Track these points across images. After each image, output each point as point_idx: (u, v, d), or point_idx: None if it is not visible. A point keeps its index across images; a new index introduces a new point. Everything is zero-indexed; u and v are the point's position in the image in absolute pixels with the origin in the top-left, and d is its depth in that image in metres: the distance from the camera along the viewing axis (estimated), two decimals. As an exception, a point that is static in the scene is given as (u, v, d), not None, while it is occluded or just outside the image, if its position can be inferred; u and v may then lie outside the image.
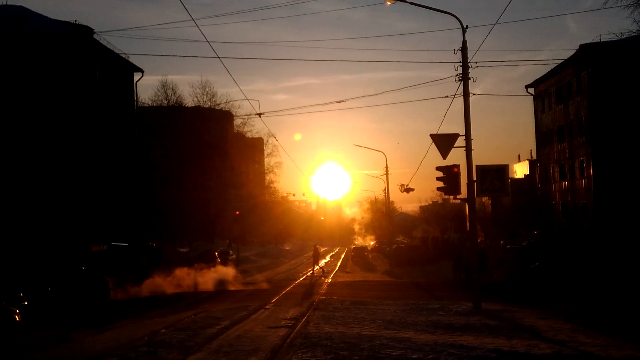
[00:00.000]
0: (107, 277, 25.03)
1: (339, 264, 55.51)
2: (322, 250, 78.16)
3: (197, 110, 61.39)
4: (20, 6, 36.65)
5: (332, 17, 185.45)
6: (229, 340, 13.04)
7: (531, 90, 48.85)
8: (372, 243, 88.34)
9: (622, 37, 31.44)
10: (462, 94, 19.45)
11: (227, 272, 34.98)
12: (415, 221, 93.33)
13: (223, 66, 69.63)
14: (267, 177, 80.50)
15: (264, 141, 75.81)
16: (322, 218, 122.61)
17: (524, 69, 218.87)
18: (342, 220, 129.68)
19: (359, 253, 60.04)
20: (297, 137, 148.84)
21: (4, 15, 32.15)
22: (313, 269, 41.30)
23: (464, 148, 19.02)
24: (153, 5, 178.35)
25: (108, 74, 38.84)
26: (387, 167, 57.65)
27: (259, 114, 33.66)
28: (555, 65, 42.85)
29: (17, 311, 14.25)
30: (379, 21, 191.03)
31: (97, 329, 15.64)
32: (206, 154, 59.19)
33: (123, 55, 40.33)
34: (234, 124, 69.20)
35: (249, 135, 70.45)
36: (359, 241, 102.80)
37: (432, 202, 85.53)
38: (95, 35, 36.57)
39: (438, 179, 19.25)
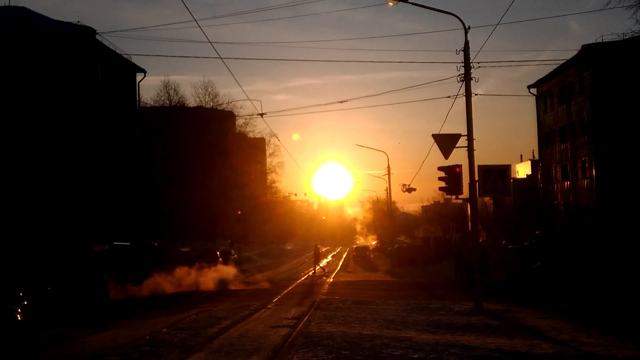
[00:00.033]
0: (107, 277, 25.06)
1: (340, 263, 55.50)
2: (323, 249, 78.23)
3: (199, 110, 61.46)
4: (23, 7, 36.69)
5: (333, 17, 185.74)
6: (230, 340, 13.05)
7: (533, 90, 48.83)
8: (373, 243, 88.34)
9: (625, 37, 31.23)
10: (464, 94, 19.44)
11: (228, 271, 35.02)
12: (417, 221, 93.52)
13: (225, 66, 69.96)
14: (269, 177, 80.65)
15: (266, 141, 75.99)
16: (324, 218, 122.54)
17: (526, 69, 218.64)
18: (344, 220, 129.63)
19: (361, 253, 60.02)
20: (295, 137, 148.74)
21: (6, 16, 32.20)
22: (314, 269, 41.36)
23: (466, 148, 19.01)
24: (155, 6, 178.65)
25: (110, 75, 38.87)
26: (389, 167, 57.65)
27: (261, 114, 33.72)
28: (558, 65, 42.84)
29: (19, 310, 14.28)
30: (381, 22, 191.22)
31: (98, 329, 15.65)
32: (208, 154, 59.26)
33: (125, 56, 40.38)
34: (236, 124, 69.30)
35: (250, 135, 70.60)
36: (360, 241, 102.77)
37: (434, 202, 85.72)
38: (97, 36, 36.60)
39: (440, 179, 19.25)
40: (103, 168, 36.40)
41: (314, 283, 32.46)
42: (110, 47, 38.10)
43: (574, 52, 40.54)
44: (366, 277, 37.76)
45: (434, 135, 19.57)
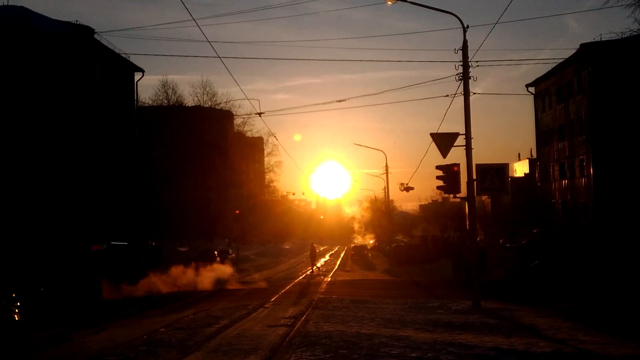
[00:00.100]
0: (104, 277, 25.00)
1: (338, 262, 55.51)
2: (321, 249, 78.24)
3: (198, 109, 61.38)
4: (21, 6, 36.66)
5: (332, 17, 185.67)
6: (228, 339, 13.05)
7: (532, 89, 48.86)
8: (371, 242, 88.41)
9: (623, 36, 31.37)
10: (463, 93, 19.44)
11: (225, 270, 34.99)
12: (415, 220, 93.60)
13: (223, 66, 69.68)
14: (267, 176, 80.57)
15: (264, 140, 75.85)
16: (322, 217, 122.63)
17: (525, 68, 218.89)
18: (342, 219, 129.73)
19: (359, 252, 60.04)
20: (297, 137, 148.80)
21: (5, 16, 32.17)
22: (312, 268, 41.41)
23: (464, 147, 19.03)
24: (153, 5, 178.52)
25: (109, 74, 38.85)
26: (387, 166, 57.58)
27: (259, 114, 33.74)
28: (556, 64, 42.88)
29: (17, 310, 14.26)
30: (380, 21, 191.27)
31: (96, 329, 15.63)
32: (206, 153, 59.20)
33: (123, 55, 40.35)
34: (234, 123, 69.19)
35: (249, 134, 70.47)
36: (358, 240, 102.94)
37: (432, 201, 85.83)
38: (95, 35, 36.58)
39: (438, 177, 19.26)
40: (101, 168, 36.37)
41: (311, 282, 32.46)
42: (109, 46, 38.08)
43: (573, 51, 40.62)
44: (364, 276, 37.77)
45: (432, 134, 19.59)
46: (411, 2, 20.05)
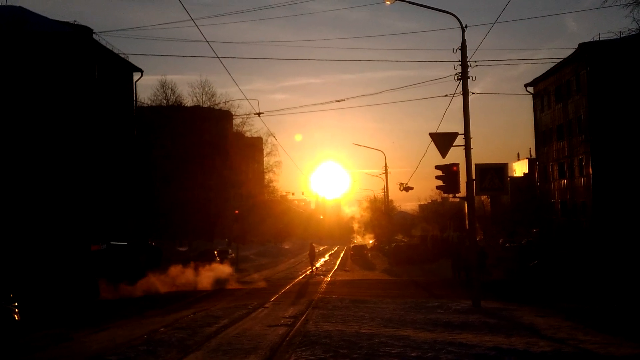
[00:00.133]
0: (104, 277, 24.95)
1: (338, 262, 55.50)
2: (321, 248, 78.20)
3: (197, 109, 61.37)
4: (20, 7, 36.65)
5: (330, 17, 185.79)
6: (228, 339, 13.05)
7: (530, 89, 48.88)
8: (371, 242, 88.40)
9: (622, 36, 31.34)
10: (462, 93, 19.46)
11: (224, 270, 34.97)
12: (415, 220, 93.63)
13: (222, 66, 69.54)
14: (267, 176, 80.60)
15: (263, 140, 75.85)
16: (322, 217, 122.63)
17: (524, 68, 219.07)
18: (342, 219, 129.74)
19: (358, 252, 60.04)
20: (298, 137, 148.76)
21: (3, 16, 32.16)
22: (312, 268, 41.42)
23: (463, 147, 19.03)
24: (152, 6, 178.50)
25: (107, 74, 38.85)
26: (386, 166, 57.61)
27: (258, 114, 33.85)
28: (555, 64, 42.90)
29: (17, 310, 14.25)
30: (378, 21, 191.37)
31: (95, 329, 15.62)
32: (206, 153, 59.19)
33: (122, 55, 40.35)
34: (234, 123, 69.19)
35: (248, 134, 70.45)
36: (358, 240, 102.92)
37: (432, 200, 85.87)
38: (94, 36, 36.57)
39: (437, 177, 19.26)
40: (100, 168, 36.37)
41: (311, 282, 32.46)
42: (107, 46, 38.09)
43: (571, 51, 40.65)
44: (364, 275, 37.76)
45: (431, 134, 19.59)
46: (409, 2, 20.05)
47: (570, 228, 41.26)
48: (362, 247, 64.55)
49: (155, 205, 49.44)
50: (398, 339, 12.39)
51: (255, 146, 78.09)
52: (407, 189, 39.81)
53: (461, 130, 19.12)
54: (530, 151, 66.61)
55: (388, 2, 19.80)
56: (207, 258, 39.20)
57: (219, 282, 31.54)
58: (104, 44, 37.61)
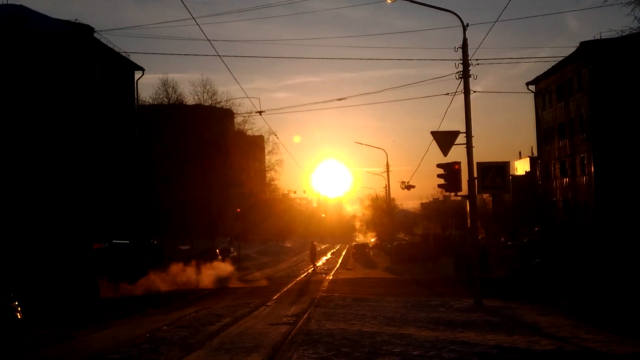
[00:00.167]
0: (105, 276, 24.91)
1: (340, 261, 55.52)
2: (322, 247, 78.25)
3: (198, 108, 61.35)
4: (21, 5, 36.67)
5: (330, 15, 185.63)
6: (230, 338, 13.06)
7: (532, 87, 48.88)
8: (373, 240, 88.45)
9: (623, 34, 31.33)
10: (463, 91, 19.43)
11: (226, 268, 34.97)
12: (416, 218, 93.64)
13: (223, 64, 69.93)
14: (268, 175, 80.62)
15: (265, 139, 75.89)
16: (323, 215, 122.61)
17: (525, 66, 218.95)
18: (343, 217, 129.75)
19: (360, 250, 60.10)
20: (297, 139, 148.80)
21: (4, 15, 32.19)
22: (314, 266, 41.46)
23: (465, 145, 19.02)
24: (153, 4, 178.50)
25: (109, 73, 38.86)
26: (387, 164, 57.69)
27: (260, 112, 33.72)
28: (556, 62, 42.88)
29: (19, 309, 14.26)
30: (379, 19, 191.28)
31: (97, 327, 15.62)
32: (207, 152, 59.19)
33: (123, 54, 40.37)
34: (235, 122, 69.19)
35: (249, 133, 70.44)
36: (360, 238, 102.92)
37: (433, 199, 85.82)
38: (95, 34, 36.59)
39: (439, 176, 19.26)
40: (102, 166, 36.39)
41: (313, 280, 32.47)
42: (109, 45, 38.10)
43: (573, 49, 40.63)
44: (365, 274, 37.78)
45: (432, 133, 19.58)
46: (410, 0, 20.02)
47: (572, 226, 41.23)
48: (364, 246, 64.59)
49: (157, 204, 49.50)
50: (400, 337, 12.39)
51: (256, 145, 78.09)
52: (409, 187, 39.81)
53: (463, 128, 19.13)
54: (532, 149, 66.53)
55: (389, 1, 19.79)
56: (209, 256, 39.21)
57: (221, 281, 31.53)
58: (105, 43, 37.65)
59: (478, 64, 20.72)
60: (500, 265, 34.32)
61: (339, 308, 17.66)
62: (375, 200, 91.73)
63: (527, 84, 48.79)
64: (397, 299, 20.04)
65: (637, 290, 21.13)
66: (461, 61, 19.36)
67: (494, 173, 19.00)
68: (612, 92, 37.15)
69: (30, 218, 31.61)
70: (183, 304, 21.25)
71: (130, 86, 43.50)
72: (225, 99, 66.99)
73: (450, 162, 19.09)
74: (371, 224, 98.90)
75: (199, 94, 63.01)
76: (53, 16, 37.48)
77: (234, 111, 66.78)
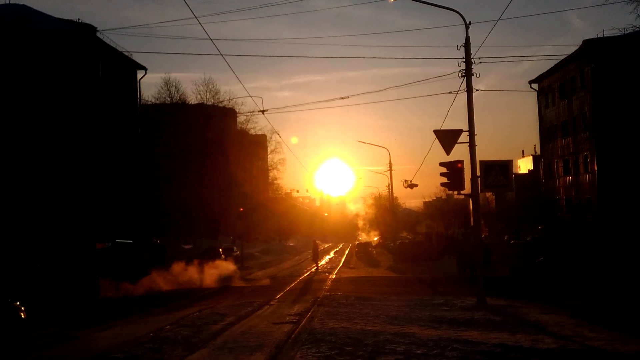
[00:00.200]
0: (108, 275, 24.91)
1: (343, 259, 55.52)
2: (325, 246, 78.33)
3: (200, 107, 61.37)
4: (23, 5, 36.73)
5: (333, 14, 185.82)
6: (233, 337, 13.06)
7: (535, 85, 48.83)
8: (375, 239, 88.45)
9: (626, 32, 31.33)
10: (466, 89, 19.41)
11: (228, 267, 34.98)
12: (419, 217, 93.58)
13: (226, 63, 70.10)
14: (271, 174, 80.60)
15: (267, 138, 75.88)
16: (326, 214, 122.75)
17: (528, 65, 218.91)
18: (346, 216, 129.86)
19: (363, 249, 60.11)
20: (294, 140, 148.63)
21: (7, 14, 32.25)
22: (317, 265, 41.49)
23: (468, 144, 19.00)
24: (156, 4, 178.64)
25: (111, 72, 38.90)
26: (390, 163, 57.63)
27: (262, 111, 33.75)
28: (559, 60, 42.82)
29: (23, 309, 14.29)
30: (382, 18, 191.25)
31: (100, 327, 15.64)
32: (209, 151, 59.20)
33: (126, 53, 40.41)
34: (237, 121, 69.21)
35: (252, 132, 70.46)
36: (362, 237, 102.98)
37: (436, 197, 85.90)
38: (98, 34, 36.64)
39: (442, 174, 19.23)
40: (104, 166, 36.43)
41: (316, 279, 32.48)
42: (111, 44, 38.16)
43: (575, 47, 40.64)
44: (368, 273, 37.78)
45: (435, 131, 19.56)
46: (413, -1, 19.99)
47: (576, 225, 41.18)
48: (366, 245, 64.60)
49: (159, 203, 49.53)
50: (403, 336, 12.38)
51: (259, 144, 78.06)
52: (412, 186, 39.84)
53: (465, 127, 19.10)
54: (535, 148, 66.44)
55: (391, 0, 19.76)
56: (212, 256, 39.24)
57: (224, 280, 31.55)
58: (108, 42, 37.70)
59: (481, 62, 20.80)
60: (503, 264, 34.29)
61: (342, 307, 17.65)
62: (378, 199, 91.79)
63: (530, 82, 48.76)
64: (400, 298, 20.03)
65: (641, 288, 21.09)
66: (464, 59, 19.34)
67: (496, 171, 18.97)
68: (615, 90, 37.10)
69: (32, 218, 31.65)
70: (186, 303, 21.27)
71: (132, 85, 43.55)
72: (227, 98, 67.15)
73: (453, 160, 19.06)
74: (374, 223, 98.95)
75: (201, 93, 63.10)
76: (55, 16, 37.55)
77: (237, 110, 66.82)
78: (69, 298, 21.06)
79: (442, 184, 19.99)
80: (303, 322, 14.86)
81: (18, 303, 14.78)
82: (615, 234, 33.84)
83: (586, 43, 38.75)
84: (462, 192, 19.57)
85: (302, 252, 66.62)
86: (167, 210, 51.64)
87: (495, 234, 61.82)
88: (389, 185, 61.74)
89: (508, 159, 19.97)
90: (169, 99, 59.04)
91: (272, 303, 19.79)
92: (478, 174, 18.87)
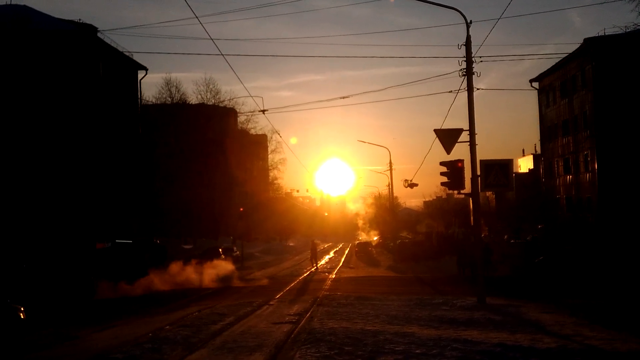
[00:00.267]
0: (107, 275, 24.89)
1: (343, 259, 55.51)
2: (325, 246, 78.28)
3: (201, 107, 61.41)
4: (24, 5, 36.71)
5: (333, 13, 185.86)
6: (233, 337, 13.05)
7: (535, 84, 48.77)
8: (375, 238, 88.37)
9: (627, 30, 31.33)
10: (466, 88, 19.38)
11: (228, 267, 34.96)
12: (419, 216, 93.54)
13: (227, 63, 70.17)
14: (271, 174, 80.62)
15: (268, 138, 75.89)
16: (326, 214, 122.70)
17: (529, 64, 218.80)
18: (346, 215, 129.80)
19: (363, 248, 60.05)
20: (293, 140, 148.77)
21: (8, 15, 32.23)
22: (316, 265, 41.48)
23: (468, 143, 18.98)
24: (156, 4, 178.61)
25: (112, 72, 38.88)
26: (390, 162, 57.50)
27: (263, 111, 33.59)
28: (560, 59, 42.77)
29: (22, 309, 14.28)
30: (382, 17, 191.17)
31: (100, 327, 15.64)
32: (210, 151, 59.23)
33: (127, 54, 40.38)
34: (238, 120, 69.27)
35: (252, 132, 70.50)
36: (362, 236, 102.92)
37: (436, 197, 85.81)
38: (99, 34, 36.60)
39: (442, 174, 19.21)
40: (105, 166, 36.42)
41: (315, 279, 32.46)
42: (112, 44, 38.12)
43: (576, 46, 40.54)
44: (368, 272, 37.76)
45: (435, 130, 19.53)
46: (414, -2, 20.00)
47: (576, 224, 41.14)
48: (366, 244, 64.55)
49: (160, 203, 49.50)
50: (403, 335, 12.37)
51: (259, 143, 78.07)
52: (412, 185, 39.82)
53: (466, 126, 19.07)
54: (535, 147, 66.30)
55: (392, -1, 19.75)
56: (212, 256, 39.25)
57: (224, 280, 31.54)
58: (109, 42, 37.65)
59: (481, 61, 20.57)
60: (503, 263, 34.28)
61: (341, 307, 17.65)
62: (378, 198, 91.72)
63: (531, 81, 48.70)
64: (400, 298, 20.02)
65: (641, 287, 21.08)
66: (464, 58, 19.32)
67: (497, 171, 18.95)
68: (616, 89, 37.05)
69: (32, 218, 31.63)
70: (185, 303, 21.26)
71: (133, 86, 43.54)
72: (228, 98, 67.22)
73: (453, 160, 19.04)
74: (374, 223, 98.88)
75: (202, 93, 63.15)
76: (56, 16, 37.54)
77: (237, 110, 66.83)
78: (63, 299, 21.03)
79: (443, 184, 19.97)
80: (302, 322, 14.86)
81: (18, 304, 14.79)
82: (616, 233, 33.82)
83: (587, 41, 38.70)
84: (462, 191, 19.55)
85: (302, 252, 66.57)
86: (168, 210, 51.63)
87: (495, 233, 61.75)
88: (389, 185, 61.75)
89: (508, 158, 19.98)
90: (169, 99, 59.12)
91: (271, 303, 19.79)
92: (478, 173, 18.85)
